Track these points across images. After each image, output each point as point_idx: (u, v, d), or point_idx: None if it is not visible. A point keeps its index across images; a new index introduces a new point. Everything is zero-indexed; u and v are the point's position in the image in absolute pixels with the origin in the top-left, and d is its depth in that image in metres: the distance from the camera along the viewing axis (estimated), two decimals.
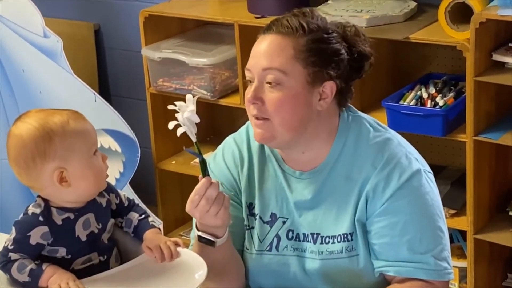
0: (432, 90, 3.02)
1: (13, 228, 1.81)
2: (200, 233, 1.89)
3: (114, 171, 3.43)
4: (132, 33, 3.74)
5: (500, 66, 2.83)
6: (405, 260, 1.89)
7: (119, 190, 1.95)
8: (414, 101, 2.99)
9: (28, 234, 1.79)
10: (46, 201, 1.83)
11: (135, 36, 3.65)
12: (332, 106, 1.93)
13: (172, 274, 1.82)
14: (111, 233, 1.90)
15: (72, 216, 1.83)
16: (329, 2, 3.22)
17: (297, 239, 1.97)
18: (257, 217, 2.00)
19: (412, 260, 1.89)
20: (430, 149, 3.28)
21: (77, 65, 3.51)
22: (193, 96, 1.83)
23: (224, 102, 3.41)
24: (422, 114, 2.92)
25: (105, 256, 1.87)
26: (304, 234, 1.96)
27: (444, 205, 2.02)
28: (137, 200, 2.02)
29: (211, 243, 1.87)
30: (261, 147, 2.02)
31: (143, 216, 1.92)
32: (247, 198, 2.01)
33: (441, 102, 2.94)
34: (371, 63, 1.96)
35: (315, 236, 1.95)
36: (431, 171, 1.98)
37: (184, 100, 1.83)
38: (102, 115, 3.40)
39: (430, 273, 1.90)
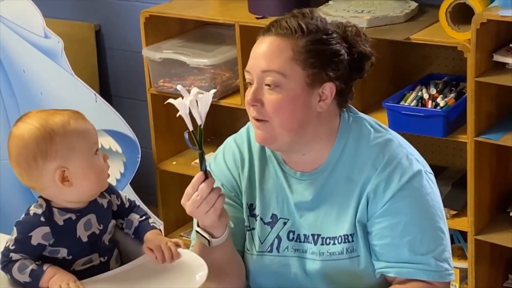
0: (433, 91, 3.02)
1: (15, 228, 1.81)
2: (198, 229, 1.89)
3: (115, 171, 3.43)
4: (133, 33, 3.74)
5: (501, 67, 2.83)
6: (406, 261, 1.89)
7: (120, 191, 1.95)
8: (415, 101, 2.99)
9: (30, 234, 1.79)
10: (47, 201, 1.83)
11: (135, 37, 3.65)
12: (332, 107, 1.92)
13: (172, 275, 1.82)
14: (112, 234, 1.90)
15: (73, 217, 1.83)
16: (330, 2, 3.22)
17: (298, 240, 1.97)
18: (258, 218, 2.00)
19: (413, 261, 1.89)
20: (431, 150, 3.28)
21: (77, 66, 3.51)
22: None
23: (224, 102, 3.41)
24: (423, 114, 2.92)
25: (106, 257, 1.87)
26: (305, 235, 1.96)
27: (445, 206, 2.02)
28: (138, 201, 2.02)
29: (207, 242, 1.87)
30: (262, 148, 2.02)
31: (143, 217, 1.92)
32: (247, 199, 2.01)
33: (442, 103, 2.94)
34: (372, 63, 1.95)
35: (315, 237, 1.95)
36: (431, 172, 1.98)
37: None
38: (102, 116, 3.40)
39: (431, 274, 1.90)
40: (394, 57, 3.24)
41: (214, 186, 1.85)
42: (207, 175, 1.85)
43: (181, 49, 3.46)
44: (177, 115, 1.82)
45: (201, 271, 1.80)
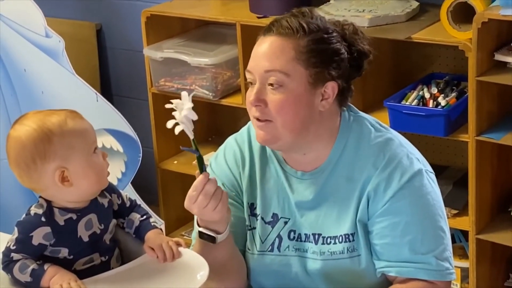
0: (434, 90, 3.02)
1: (16, 228, 1.82)
2: (201, 229, 1.88)
3: (116, 171, 3.43)
4: (134, 33, 3.74)
5: (502, 66, 2.83)
6: (406, 260, 1.89)
7: (121, 191, 1.95)
8: (416, 101, 2.99)
9: (31, 234, 1.79)
10: (48, 201, 1.83)
11: (137, 36, 3.65)
12: (333, 106, 1.93)
13: (174, 275, 1.82)
14: (113, 233, 1.90)
15: (74, 216, 1.83)
16: (331, 1, 3.21)
17: (299, 240, 1.97)
18: (259, 217, 2.00)
19: (413, 261, 1.89)
20: (432, 149, 3.28)
21: (79, 65, 3.51)
22: (189, 94, 1.82)
23: (226, 102, 3.41)
24: (424, 114, 2.92)
25: (107, 257, 1.87)
26: (305, 234, 1.96)
27: (446, 205, 2.02)
28: (139, 200, 2.02)
29: (212, 239, 1.87)
30: (263, 147, 2.02)
31: (144, 217, 1.92)
32: (248, 199, 2.01)
33: (443, 102, 2.94)
34: (370, 61, 1.95)
35: (316, 236, 1.95)
36: (432, 171, 1.98)
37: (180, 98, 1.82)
38: (104, 115, 3.41)
39: (432, 273, 1.90)
40: (395, 56, 3.24)
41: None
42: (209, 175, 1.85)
43: (182, 48, 3.46)
44: (177, 132, 1.83)
45: (202, 270, 1.80)
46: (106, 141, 3.42)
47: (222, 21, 3.34)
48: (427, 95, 3.00)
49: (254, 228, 2.01)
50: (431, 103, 2.96)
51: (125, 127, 3.44)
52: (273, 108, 1.86)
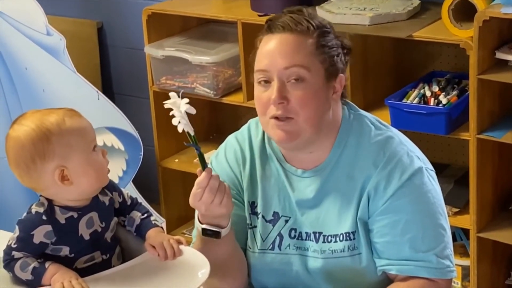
0: (435, 88, 3.02)
1: (17, 227, 1.82)
2: (204, 226, 1.88)
3: (117, 169, 3.43)
4: (135, 31, 3.74)
5: (504, 64, 2.82)
6: (407, 258, 1.89)
7: (122, 189, 1.95)
8: (417, 99, 2.99)
9: (32, 233, 1.79)
10: (49, 200, 1.83)
11: (138, 34, 3.65)
12: (338, 102, 1.94)
13: (175, 272, 1.82)
14: (114, 231, 1.90)
15: (75, 215, 1.83)
16: (332, 0, 3.21)
17: (300, 238, 1.97)
18: (260, 216, 2.00)
19: (414, 259, 1.89)
20: (433, 147, 3.28)
21: (80, 63, 3.51)
22: (178, 94, 1.82)
23: (227, 100, 3.41)
24: (425, 112, 2.92)
25: (108, 255, 1.88)
26: (306, 233, 1.96)
27: (447, 204, 2.02)
28: (140, 198, 2.02)
29: (216, 234, 1.87)
30: (263, 146, 2.02)
31: (145, 215, 1.92)
32: (249, 197, 2.01)
33: (444, 100, 2.94)
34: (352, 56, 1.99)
35: (317, 235, 1.95)
36: (433, 169, 1.98)
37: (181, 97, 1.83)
38: (105, 113, 3.40)
39: (432, 271, 1.90)
40: (396, 54, 3.24)
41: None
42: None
43: (184, 46, 3.45)
44: (180, 129, 1.82)
45: (203, 268, 1.80)
46: (107, 139, 3.42)
47: (223, 19, 3.34)
48: (428, 93, 3.00)
49: (255, 226, 2.01)
50: (432, 101, 2.96)
51: (126, 125, 3.44)
52: (296, 103, 1.86)
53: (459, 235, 3.17)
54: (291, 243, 1.97)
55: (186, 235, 3.59)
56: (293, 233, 1.98)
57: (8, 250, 1.81)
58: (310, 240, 1.96)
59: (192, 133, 1.83)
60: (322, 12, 3.10)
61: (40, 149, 1.78)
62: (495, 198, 3.01)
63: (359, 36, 3.02)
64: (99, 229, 1.86)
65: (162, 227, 1.91)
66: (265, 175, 2.00)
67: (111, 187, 1.90)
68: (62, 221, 1.82)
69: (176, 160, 3.64)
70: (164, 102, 1.82)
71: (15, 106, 3.47)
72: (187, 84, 3.43)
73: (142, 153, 3.46)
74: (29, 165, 1.79)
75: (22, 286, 1.80)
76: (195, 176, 1.87)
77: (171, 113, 1.81)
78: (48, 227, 1.80)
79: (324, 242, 1.94)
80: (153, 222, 1.91)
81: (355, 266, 1.93)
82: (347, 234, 1.92)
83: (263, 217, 1.99)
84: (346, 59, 1.96)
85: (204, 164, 1.85)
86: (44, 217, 1.80)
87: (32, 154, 1.78)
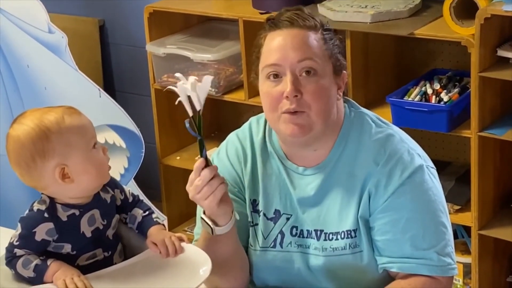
0: (437, 86, 3.02)
1: (19, 224, 1.82)
2: (203, 216, 1.88)
3: (119, 166, 3.44)
4: (137, 28, 3.74)
5: (505, 62, 2.82)
6: (408, 256, 1.89)
7: (124, 186, 1.95)
8: (418, 97, 2.99)
9: (34, 230, 1.80)
10: (51, 197, 1.84)
11: (139, 32, 3.65)
12: (340, 100, 1.95)
13: (176, 270, 1.82)
14: (116, 229, 1.90)
15: (77, 212, 1.83)
16: None
17: (301, 236, 1.97)
18: (261, 213, 2.00)
19: (415, 256, 1.89)
20: (435, 145, 3.28)
21: (81, 61, 3.52)
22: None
23: (228, 98, 3.41)
24: (426, 110, 2.92)
25: (110, 252, 1.88)
26: (307, 230, 1.96)
27: (448, 201, 2.02)
28: (142, 196, 2.02)
29: (210, 229, 1.86)
30: (264, 144, 2.02)
31: (147, 212, 1.92)
32: (250, 195, 2.01)
33: (445, 98, 2.94)
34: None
35: (318, 232, 1.95)
36: (434, 167, 1.98)
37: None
38: (106, 111, 3.41)
39: (434, 269, 1.90)
40: (397, 52, 3.24)
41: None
42: (208, 162, 1.83)
43: (185, 44, 3.46)
44: (177, 101, 1.78)
45: (205, 265, 1.80)
46: (109, 137, 3.42)
47: (225, 17, 3.34)
48: (429, 91, 3.00)
49: (257, 224, 2.01)
50: (433, 99, 2.96)
51: (128, 123, 3.44)
52: (310, 95, 1.86)
53: (461, 232, 3.17)
54: (293, 241, 1.97)
55: (187, 232, 3.60)
56: (294, 230, 1.98)
57: (10, 248, 1.81)
58: (312, 237, 1.96)
59: (199, 107, 1.76)
60: (323, 10, 3.10)
61: (40, 148, 1.78)
62: (496, 195, 3.01)
63: (360, 33, 3.03)
64: (101, 227, 1.86)
65: (163, 225, 1.92)
66: (266, 173, 2.00)
67: (112, 184, 1.91)
68: (64, 219, 1.82)
69: (178, 158, 3.64)
70: (175, 75, 1.77)
71: (17, 104, 3.47)
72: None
73: (143, 150, 3.46)
74: (29, 164, 1.79)
75: (24, 283, 1.80)
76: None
77: (180, 83, 1.75)
78: (50, 225, 1.80)
79: (325, 239, 1.94)
80: (154, 219, 1.91)
81: (356, 264, 1.93)
82: (349, 232, 1.93)
83: (264, 215, 2.00)
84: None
85: (201, 152, 1.81)
86: (46, 215, 1.81)
87: (32, 153, 1.78)
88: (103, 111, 3.39)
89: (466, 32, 2.83)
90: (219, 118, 3.78)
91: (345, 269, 1.94)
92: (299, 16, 1.90)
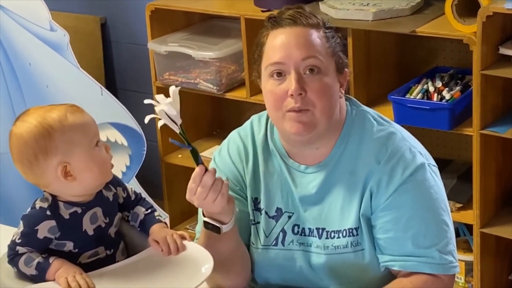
0: (439, 84, 3.02)
1: (21, 222, 1.82)
2: (206, 219, 1.88)
3: (121, 164, 3.44)
4: (139, 26, 3.74)
5: (507, 60, 2.82)
6: (410, 254, 1.89)
7: (126, 184, 1.95)
8: (420, 94, 2.99)
9: (36, 228, 1.80)
10: (53, 195, 1.84)
11: (141, 30, 3.65)
12: (342, 98, 1.95)
13: (178, 268, 1.82)
14: (118, 227, 1.90)
15: (79, 210, 1.83)
16: None
17: (303, 234, 1.97)
18: (263, 211, 2.00)
19: (417, 255, 1.89)
20: (437, 143, 3.28)
21: (83, 59, 3.52)
22: (176, 87, 1.82)
23: (230, 95, 3.41)
24: (428, 107, 2.92)
25: (112, 250, 1.88)
26: (309, 228, 1.96)
27: (450, 199, 2.02)
28: (143, 194, 2.03)
29: (217, 229, 1.87)
30: (265, 142, 2.02)
31: (149, 210, 1.92)
32: (252, 193, 2.01)
33: (447, 96, 2.94)
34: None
35: (320, 231, 1.95)
36: (435, 165, 1.98)
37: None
38: (108, 109, 3.41)
39: (435, 267, 1.90)
40: (399, 50, 3.24)
41: (216, 176, 1.84)
42: (205, 167, 1.83)
43: (187, 42, 3.46)
44: (160, 125, 1.84)
45: (207, 263, 1.80)
46: (111, 134, 3.42)
47: (227, 14, 3.34)
48: (431, 89, 3.00)
49: (258, 222, 2.01)
50: (435, 97, 2.96)
51: (130, 121, 3.44)
52: (314, 93, 1.86)
53: (462, 230, 3.17)
54: (294, 239, 1.97)
55: (189, 230, 3.60)
56: (296, 229, 1.98)
57: (13, 245, 1.81)
58: (313, 236, 1.96)
59: (177, 131, 1.82)
60: (325, 8, 3.10)
61: (42, 146, 1.78)
62: (498, 193, 3.01)
63: (362, 31, 3.03)
64: (103, 225, 1.86)
65: (165, 223, 1.92)
66: (268, 171, 2.00)
67: (115, 182, 1.91)
68: (66, 216, 1.82)
69: (179, 156, 3.64)
70: (155, 97, 1.83)
71: (19, 102, 3.47)
72: (190, 79, 3.43)
73: (145, 148, 3.46)
74: (32, 161, 1.79)
75: (27, 281, 1.81)
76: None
77: (155, 108, 1.82)
78: (52, 222, 1.81)
79: (327, 238, 1.94)
80: (156, 217, 1.91)
81: (358, 262, 1.93)
82: (350, 230, 1.93)
83: (266, 213, 2.00)
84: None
85: (197, 160, 1.83)
86: (48, 212, 1.81)
87: (35, 151, 1.78)
88: (104, 109, 3.39)
89: (468, 30, 2.83)
90: (221, 116, 3.78)
91: (346, 267, 1.94)
92: (302, 14, 1.91)
